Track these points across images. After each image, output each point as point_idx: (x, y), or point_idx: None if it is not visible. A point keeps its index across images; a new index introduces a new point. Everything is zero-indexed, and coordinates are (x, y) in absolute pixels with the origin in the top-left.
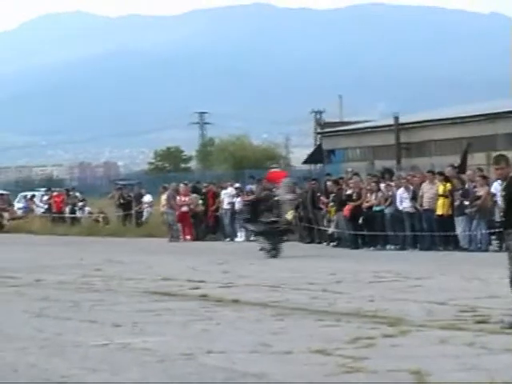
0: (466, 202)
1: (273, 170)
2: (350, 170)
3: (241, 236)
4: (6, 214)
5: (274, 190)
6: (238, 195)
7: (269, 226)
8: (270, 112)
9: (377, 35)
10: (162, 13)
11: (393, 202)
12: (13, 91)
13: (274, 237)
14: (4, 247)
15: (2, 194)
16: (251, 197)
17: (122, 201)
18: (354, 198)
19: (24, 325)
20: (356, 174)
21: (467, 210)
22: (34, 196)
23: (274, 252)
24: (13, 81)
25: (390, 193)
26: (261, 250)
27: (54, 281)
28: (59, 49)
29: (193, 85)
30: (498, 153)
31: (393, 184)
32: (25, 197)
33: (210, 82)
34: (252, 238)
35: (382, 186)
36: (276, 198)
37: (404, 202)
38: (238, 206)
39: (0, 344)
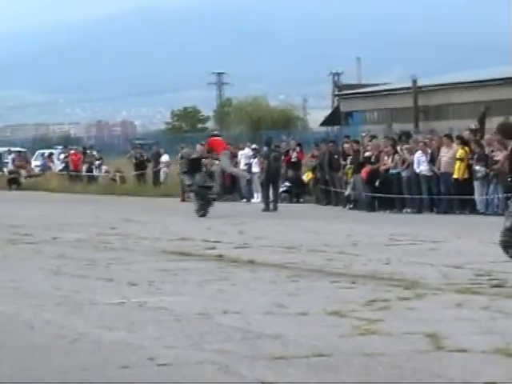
0: (477, 167)
1: (215, 137)
2: (364, 134)
3: (257, 197)
4: (23, 172)
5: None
6: (254, 156)
7: (202, 188)
8: (288, 73)
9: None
10: None
11: (410, 165)
12: (31, 48)
13: (203, 199)
14: (21, 205)
15: (19, 152)
16: (195, 155)
17: (134, 160)
18: (373, 160)
19: (41, 282)
20: (373, 136)
21: (479, 175)
22: (52, 154)
23: (202, 212)
24: (31, 38)
25: (407, 156)
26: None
27: (71, 239)
28: (78, 7)
29: (211, 45)
30: None
31: (410, 147)
32: (42, 154)
33: (228, 43)
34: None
35: (399, 148)
36: (214, 167)
37: (421, 166)
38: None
39: (17, 301)
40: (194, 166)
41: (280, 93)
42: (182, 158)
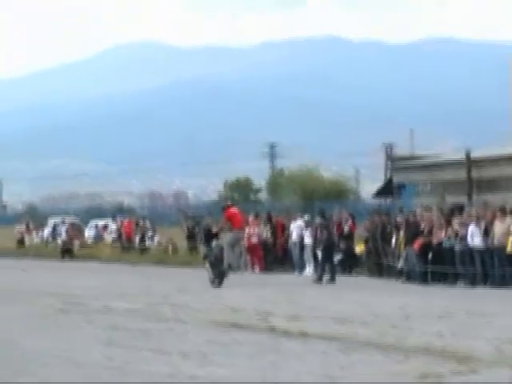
0: None
1: (231, 208)
2: (418, 210)
3: (309, 268)
4: (76, 242)
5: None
6: (307, 227)
7: (216, 260)
8: (341, 144)
9: (449, 69)
10: (233, 44)
11: (463, 238)
12: (84, 119)
13: (218, 269)
14: (74, 275)
15: (73, 222)
16: (214, 228)
17: (187, 231)
18: (425, 232)
19: (92, 352)
20: (428, 208)
21: None
22: (106, 226)
23: (216, 282)
24: (85, 109)
25: (461, 229)
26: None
27: (123, 309)
28: (130, 78)
29: (263, 115)
30: None
31: (463, 220)
32: (96, 225)
33: (280, 113)
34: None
35: (453, 221)
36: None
37: (475, 238)
38: (306, 240)
39: (69, 371)
40: (210, 236)
41: (333, 163)
42: (199, 225)
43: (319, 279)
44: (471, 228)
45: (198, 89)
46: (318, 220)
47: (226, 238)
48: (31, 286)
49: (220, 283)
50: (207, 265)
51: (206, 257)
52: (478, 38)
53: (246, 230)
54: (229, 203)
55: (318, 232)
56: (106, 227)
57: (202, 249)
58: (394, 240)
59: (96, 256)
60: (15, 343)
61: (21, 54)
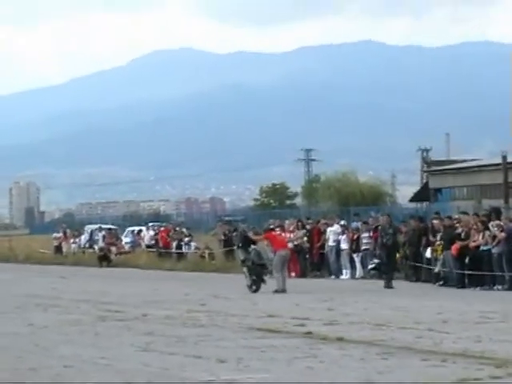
0: None
1: (273, 232)
2: (455, 214)
3: (346, 273)
4: (113, 249)
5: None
6: (343, 232)
7: (256, 265)
8: (376, 148)
9: (486, 72)
10: (270, 50)
11: (500, 242)
12: (121, 126)
13: (257, 276)
14: (111, 282)
15: (110, 229)
16: (250, 234)
17: (223, 237)
18: (462, 236)
19: (131, 359)
20: (465, 212)
21: None
22: (141, 231)
23: (254, 288)
24: (122, 116)
25: (498, 232)
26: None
27: (160, 315)
28: (168, 84)
29: (299, 120)
30: None
31: (501, 223)
32: (132, 231)
33: (315, 118)
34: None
35: (490, 225)
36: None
37: None
38: (342, 245)
39: (107, 377)
40: (247, 242)
41: (368, 168)
42: (236, 230)
43: (388, 285)
44: (508, 231)
45: (233, 95)
46: (382, 222)
47: (275, 260)
48: (69, 294)
49: (257, 289)
50: (245, 269)
51: (243, 262)
52: None
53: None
54: (271, 227)
55: (380, 236)
56: (140, 232)
57: (240, 254)
58: (430, 244)
59: (133, 263)
60: (53, 350)
61: (58, 61)
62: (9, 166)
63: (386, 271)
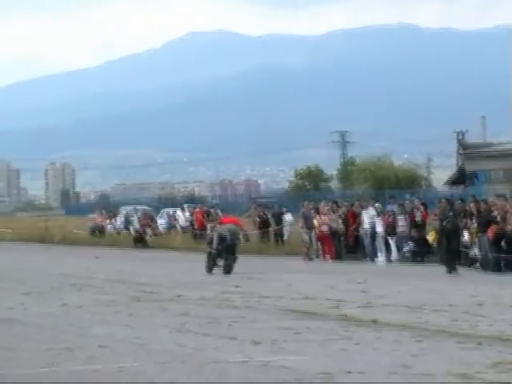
0: None
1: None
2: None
3: (381, 256)
4: (148, 230)
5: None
6: (378, 215)
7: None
8: (412, 131)
9: None
10: (303, 32)
11: None
12: (155, 108)
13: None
14: (147, 263)
15: (145, 210)
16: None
17: (258, 219)
18: (499, 220)
19: (165, 340)
20: (501, 196)
21: None
22: (175, 212)
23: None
24: (156, 98)
25: None
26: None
27: (195, 297)
28: (201, 66)
29: (332, 103)
30: None
31: None
32: (167, 213)
33: (351, 101)
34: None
35: None
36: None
37: None
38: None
39: (142, 358)
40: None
41: (404, 151)
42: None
43: (451, 271)
44: None
45: (269, 77)
46: (441, 205)
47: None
48: (104, 274)
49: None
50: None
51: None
52: None
53: (317, 219)
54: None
55: (439, 219)
56: (174, 216)
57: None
58: (466, 228)
59: (168, 245)
60: (88, 330)
61: (94, 45)
62: (45, 147)
63: (447, 257)
